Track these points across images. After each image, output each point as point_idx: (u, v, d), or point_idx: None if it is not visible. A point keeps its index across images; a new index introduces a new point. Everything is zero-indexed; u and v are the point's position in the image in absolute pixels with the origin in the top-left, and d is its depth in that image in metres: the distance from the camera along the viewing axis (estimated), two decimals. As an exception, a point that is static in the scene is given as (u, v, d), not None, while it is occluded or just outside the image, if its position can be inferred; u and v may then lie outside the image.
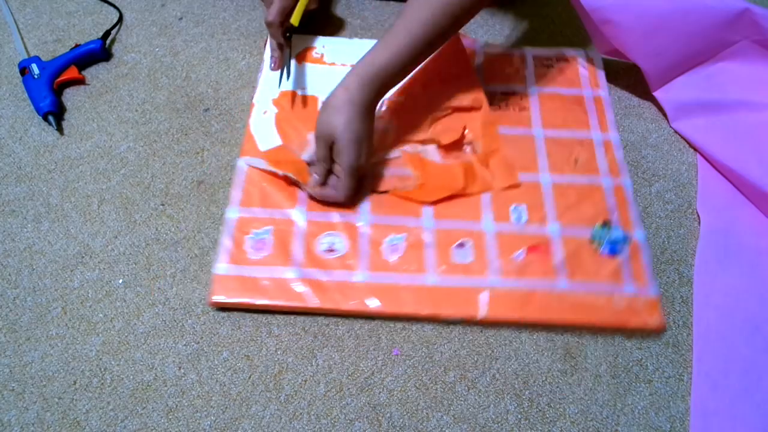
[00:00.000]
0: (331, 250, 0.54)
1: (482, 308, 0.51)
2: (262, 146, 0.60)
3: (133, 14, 0.74)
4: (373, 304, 0.51)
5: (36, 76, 0.64)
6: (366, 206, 0.56)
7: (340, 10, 0.76)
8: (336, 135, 0.52)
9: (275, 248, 0.53)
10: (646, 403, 0.48)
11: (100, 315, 0.51)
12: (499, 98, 0.65)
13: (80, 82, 0.67)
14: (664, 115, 0.66)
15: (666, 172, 0.62)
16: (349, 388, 0.48)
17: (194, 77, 0.68)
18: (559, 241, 0.55)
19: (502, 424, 0.47)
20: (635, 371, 0.50)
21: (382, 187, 0.58)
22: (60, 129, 0.63)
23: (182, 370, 0.48)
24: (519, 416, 0.47)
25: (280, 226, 0.55)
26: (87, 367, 0.48)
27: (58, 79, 0.65)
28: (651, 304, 0.51)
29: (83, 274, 0.53)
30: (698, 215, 0.58)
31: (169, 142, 0.62)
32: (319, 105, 0.64)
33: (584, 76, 0.68)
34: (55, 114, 0.63)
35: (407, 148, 0.60)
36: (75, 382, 0.48)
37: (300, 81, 0.66)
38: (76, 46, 0.68)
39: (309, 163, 0.58)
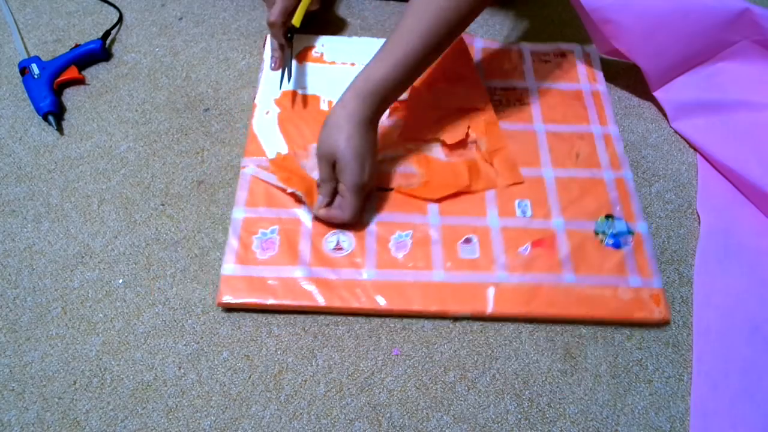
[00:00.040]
0: (339, 248, 0.54)
1: (490, 303, 0.51)
2: (266, 147, 0.60)
3: (133, 14, 0.74)
4: (381, 301, 0.51)
5: (36, 76, 0.64)
6: (372, 204, 0.56)
7: (340, 10, 0.76)
8: (337, 153, 0.51)
9: (282, 247, 0.53)
10: (646, 403, 0.48)
11: (100, 315, 0.51)
12: (498, 94, 0.66)
13: (80, 82, 0.67)
14: (664, 115, 0.66)
15: (666, 172, 0.62)
16: (349, 388, 0.48)
17: (194, 77, 0.68)
18: (563, 235, 0.55)
19: (502, 424, 0.47)
20: (635, 371, 0.50)
21: (388, 184, 0.58)
22: (60, 129, 0.63)
23: (182, 370, 0.48)
24: (519, 416, 0.47)
25: (287, 225, 0.55)
26: (87, 367, 0.48)
27: (58, 79, 0.65)
28: (656, 296, 0.52)
29: (83, 274, 0.53)
30: (698, 215, 0.58)
31: (169, 142, 0.62)
32: (320, 104, 0.64)
33: (582, 71, 0.69)
34: (55, 114, 0.63)
35: (412, 146, 0.60)
36: (75, 382, 0.48)
37: (300, 80, 0.66)
38: (76, 46, 0.68)
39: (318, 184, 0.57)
